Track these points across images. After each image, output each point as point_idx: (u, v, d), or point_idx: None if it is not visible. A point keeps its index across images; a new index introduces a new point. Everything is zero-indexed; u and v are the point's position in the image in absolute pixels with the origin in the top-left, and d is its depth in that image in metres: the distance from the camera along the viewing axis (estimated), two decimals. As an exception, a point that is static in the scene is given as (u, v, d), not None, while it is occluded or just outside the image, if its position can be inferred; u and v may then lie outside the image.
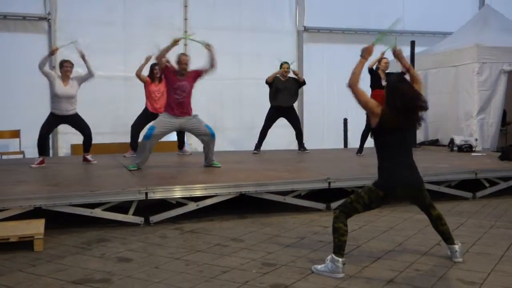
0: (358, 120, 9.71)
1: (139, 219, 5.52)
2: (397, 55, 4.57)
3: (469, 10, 13.58)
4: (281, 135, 10.50)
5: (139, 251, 4.56)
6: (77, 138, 8.26)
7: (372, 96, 8.82)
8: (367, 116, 8.67)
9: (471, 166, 7.53)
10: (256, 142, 9.46)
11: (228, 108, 11.88)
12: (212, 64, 7.05)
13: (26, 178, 6.44)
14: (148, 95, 8.63)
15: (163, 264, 4.19)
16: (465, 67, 10.17)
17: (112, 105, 10.74)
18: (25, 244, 4.56)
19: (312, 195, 6.46)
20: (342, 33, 12.88)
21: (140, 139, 8.51)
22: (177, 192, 5.74)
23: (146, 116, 8.58)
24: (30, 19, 10.63)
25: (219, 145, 7.58)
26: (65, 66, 7.54)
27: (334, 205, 6.19)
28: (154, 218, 5.58)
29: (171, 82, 6.96)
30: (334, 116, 12.26)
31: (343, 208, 4.00)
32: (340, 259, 3.83)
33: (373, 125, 4.00)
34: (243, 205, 6.24)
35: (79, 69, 7.93)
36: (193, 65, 7.12)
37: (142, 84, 8.68)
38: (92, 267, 4.10)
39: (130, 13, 11.25)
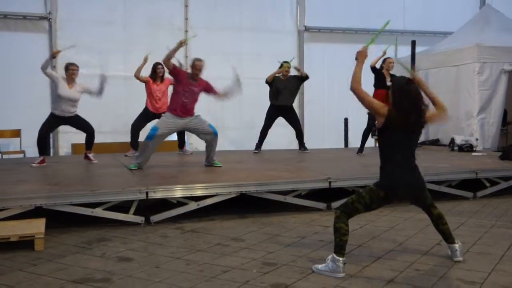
0: (359, 119, 9.72)
1: (139, 219, 5.52)
2: (418, 83, 4.38)
3: (470, 10, 13.57)
4: (282, 134, 10.50)
5: (139, 251, 4.56)
6: (78, 137, 8.26)
7: (374, 95, 8.83)
8: (368, 116, 8.70)
9: (471, 165, 7.53)
10: (257, 142, 9.46)
11: (229, 107, 11.84)
12: (226, 96, 7.18)
13: (26, 178, 6.44)
14: (149, 94, 8.62)
15: (163, 263, 4.19)
16: (465, 67, 10.17)
17: (112, 104, 10.71)
18: (25, 244, 4.56)
19: (313, 194, 6.46)
20: (343, 32, 12.86)
21: (140, 139, 8.54)
22: (178, 192, 5.74)
23: (147, 116, 8.58)
24: (30, 19, 10.62)
25: (220, 145, 7.57)
26: (71, 69, 7.52)
27: (334, 204, 6.20)
28: (155, 218, 5.58)
29: (182, 85, 6.90)
30: (335, 116, 12.26)
31: (344, 208, 4.01)
32: (340, 259, 3.83)
33: (379, 125, 4.00)
34: (243, 205, 6.25)
35: (82, 70, 7.91)
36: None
37: (142, 84, 8.68)
38: (93, 267, 4.10)
39: (131, 12, 11.24)
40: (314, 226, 5.48)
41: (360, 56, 4.11)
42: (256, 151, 9.38)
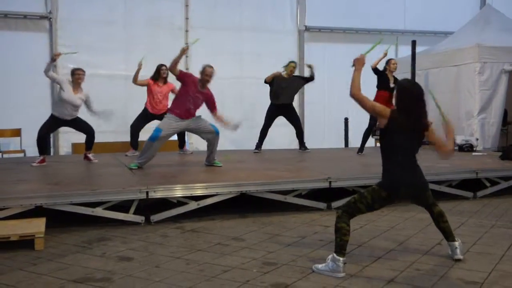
0: (359, 119, 9.71)
1: (140, 218, 5.52)
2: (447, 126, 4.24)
3: (470, 10, 13.58)
4: (282, 134, 10.51)
5: (140, 250, 4.56)
6: (78, 137, 8.26)
7: (376, 96, 8.85)
8: (370, 116, 8.69)
9: (472, 165, 7.53)
10: (257, 142, 9.46)
11: (229, 107, 11.83)
12: (222, 121, 7.16)
13: (27, 177, 6.44)
14: (150, 95, 8.57)
15: (163, 263, 4.19)
16: (466, 67, 10.16)
17: (113, 104, 10.68)
18: (26, 243, 4.56)
19: (313, 194, 6.46)
20: (343, 32, 12.87)
21: (140, 138, 8.54)
22: (178, 191, 5.74)
23: (146, 117, 8.57)
24: (31, 18, 10.63)
25: (220, 144, 7.58)
26: (77, 74, 7.49)
27: (335, 204, 6.20)
28: (155, 217, 5.58)
29: (189, 90, 6.89)
30: (335, 116, 12.26)
31: (346, 208, 4.01)
32: (341, 259, 3.83)
33: (381, 126, 4.01)
34: (244, 204, 6.25)
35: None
36: (193, 65, 7.13)
37: (143, 84, 8.69)
38: (93, 266, 4.10)
39: (131, 12, 11.25)
40: (314, 226, 5.47)
41: (358, 64, 4.12)
42: (256, 151, 9.38)
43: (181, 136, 9.19)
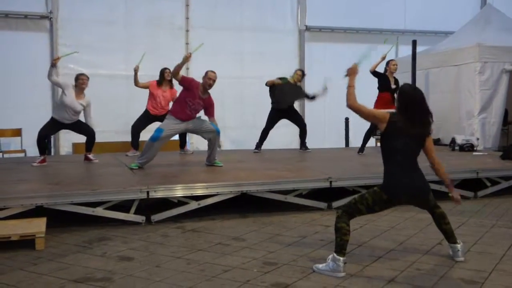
0: (360, 119, 9.67)
1: (140, 218, 5.53)
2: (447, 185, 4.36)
3: (471, 9, 13.57)
4: (282, 134, 10.51)
5: (140, 250, 4.57)
6: (79, 136, 8.25)
7: (378, 98, 8.87)
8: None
9: (472, 165, 7.52)
10: (257, 142, 9.46)
11: (230, 107, 11.86)
12: (209, 119, 7.19)
13: (27, 177, 6.44)
14: (152, 98, 8.53)
15: (164, 263, 4.20)
16: (466, 67, 10.15)
17: (113, 103, 10.73)
18: (26, 243, 4.56)
19: (314, 194, 6.46)
20: (344, 32, 12.87)
21: (141, 139, 8.54)
22: (179, 191, 5.74)
23: (147, 118, 8.56)
24: (32, 18, 10.63)
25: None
26: (81, 79, 7.48)
27: (335, 204, 6.21)
28: (156, 217, 5.58)
29: (191, 96, 6.90)
30: (336, 115, 12.23)
31: (346, 208, 4.01)
32: (341, 258, 3.83)
33: (381, 130, 4.02)
34: (244, 204, 6.25)
35: (83, 70, 7.91)
36: (193, 65, 7.13)
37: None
38: (93, 266, 4.10)
39: (132, 12, 11.25)
40: (315, 226, 5.48)
41: (351, 73, 4.12)
42: (256, 151, 9.37)
43: (182, 136, 9.18)
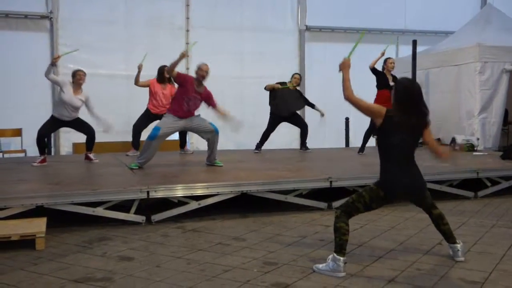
0: (360, 119, 9.65)
1: (140, 218, 5.53)
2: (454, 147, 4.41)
3: (471, 9, 13.56)
4: (283, 134, 10.50)
5: (140, 250, 4.57)
6: (79, 136, 8.26)
7: (378, 96, 8.87)
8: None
9: (472, 165, 7.52)
10: (258, 142, 9.46)
11: (230, 107, 11.76)
12: (224, 116, 7.23)
13: (27, 177, 6.44)
14: (152, 96, 8.56)
15: (164, 263, 4.20)
16: (467, 66, 10.15)
17: (114, 103, 10.72)
18: (26, 243, 4.57)
19: (314, 194, 6.46)
20: (344, 32, 12.85)
21: (142, 138, 8.54)
22: (179, 191, 5.74)
23: (148, 117, 8.57)
24: (32, 18, 10.63)
25: (221, 144, 7.58)
26: (78, 75, 7.50)
27: (335, 204, 6.20)
28: (156, 217, 5.58)
29: (187, 92, 6.91)
30: (336, 115, 12.22)
31: (344, 207, 4.01)
32: (341, 258, 3.83)
33: (378, 125, 4.01)
34: (244, 204, 6.25)
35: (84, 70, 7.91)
36: (193, 65, 7.13)
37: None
38: (94, 266, 4.10)
39: (132, 12, 11.25)
40: (315, 226, 5.48)
41: (344, 68, 4.12)
42: (256, 151, 9.38)
43: (182, 135, 9.19)
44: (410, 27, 13.28)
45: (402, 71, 10.24)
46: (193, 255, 4.42)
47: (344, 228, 3.90)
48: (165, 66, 8.40)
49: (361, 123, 9.47)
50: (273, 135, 9.54)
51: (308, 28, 12.69)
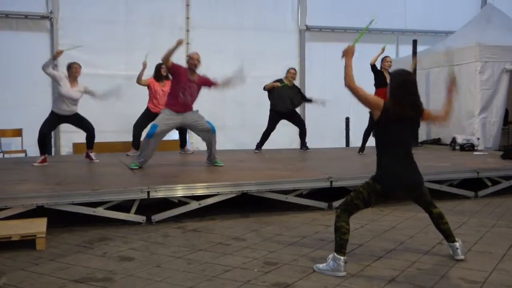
0: (360, 119, 9.73)
1: (141, 218, 5.53)
2: (451, 86, 4.35)
3: (471, 9, 13.57)
4: (283, 134, 10.51)
5: (141, 250, 4.57)
6: (79, 136, 8.27)
7: (376, 94, 8.85)
8: (370, 115, 8.69)
9: (473, 165, 7.53)
10: (258, 142, 9.47)
11: (230, 107, 11.87)
12: (228, 85, 7.13)
13: (28, 177, 6.45)
14: (152, 96, 8.59)
15: (165, 263, 4.20)
16: (467, 66, 10.16)
17: (114, 103, 10.70)
18: (27, 243, 4.57)
19: (314, 194, 6.46)
20: (344, 32, 12.86)
21: (142, 138, 8.55)
22: (179, 191, 5.74)
23: (149, 116, 8.57)
24: (32, 18, 10.65)
25: (221, 144, 7.59)
26: (74, 68, 7.53)
27: (335, 204, 6.20)
28: (156, 217, 5.58)
29: (181, 82, 6.89)
30: (336, 115, 12.25)
31: (344, 206, 4.01)
32: (342, 258, 3.83)
33: (375, 118, 4.02)
34: (245, 204, 6.25)
35: (84, 70, 7.90)
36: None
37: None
38: (94, 266, 4.10)
39: (132, 12, 11.26)
40: (316, 226, 5.48)
41: (347, 54, 4.12)
42: (256, 151, 9.39)
43: (182, 135, 9.20)
44: (410, 27, 13.29)
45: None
46: (193, 255, 4.42)
47: (344, 228, 3.90)
48: (162, 63, 8.41)
49: (361, 122, 9.50)
50: (273, 135, 9.55)
51: (308, 28, 12.71)
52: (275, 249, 4.56)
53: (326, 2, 12.77)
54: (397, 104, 3.90)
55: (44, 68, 7.36)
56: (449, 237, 4.23)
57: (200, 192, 5.78)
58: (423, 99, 4.21)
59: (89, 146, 7.94)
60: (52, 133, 9.51)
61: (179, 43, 6.83)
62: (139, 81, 8.60)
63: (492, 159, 8.37)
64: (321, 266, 3.93)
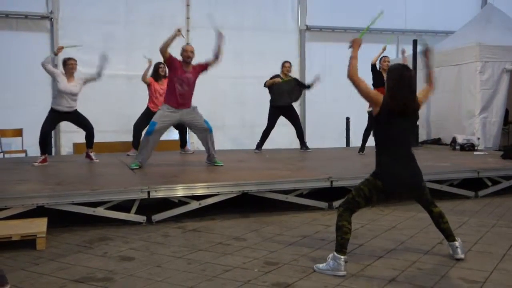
0: (361, 119, 9.72)
1: (141, 218, 5.53)
2: (426, 53, 4.57)
3: (472, 9, 13.57)
4: (283, 133, 10.51)
5: (141, 250, 4.57)
6: (80, 136, 8.27)
7: None
8: (368, 115, 8.70)
9: (473, 165, 7.53)
10: (258, 141, 9.47)
11: (230, 107, 11.88)
12: (217, 55, 7.06)
13: (28, 177, 6.45)
14: (152, 95, 8.64)
15: (165, 262, 4.20)
16: (467, 66, 10.17)
17: (114, 103, 10.75)
18: (27, 243, 4.57)
19: (314, 194, 6.46)
20: (344, 32, 12.87)
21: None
22: (179, 191, 5.74)
23: (149, 116, 8.55)
24: (32, 18, 10.65)
25: (221, 144, 7.60)
26: (69, 63, 7.57)
27: (336, 204, 6.20)
28: (156, 217, 5.58)
29: (177, 74, 6.91)
30: (336, 115, 12.26)
31: (346, 205, 4.01)
32: (342, 257, 3.83)
33: (374, 114, 4.02)
34: (245, 204, 6.25)
35: (84, 70, 7.91)
36: (195, 61, 7.12)
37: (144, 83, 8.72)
38: (94, 266, 4.10)
39: (132, 12, 11.27)
40: (316, 225, 5.48)
41: (355, 44, 4.15)
42: (256, 151, 9.39)
43: (183, 135, 9.20)
44: (411, 27, 13.29)
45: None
46: (193, 255, 4.42)
47: (346, 227, 3.90)
48: (160, 63, 8.43)
49: (361, 122, 9.49)
50: (273, 135, 9.55)
51: (308, 28, 12.71)
52: (276, 249, 4.56)
53: (326, 2, 12.77)
54: (394, 97, 3.90)
55: (44, 63, 7.39)
56: (449, 236, 4.23)
57: (200, 192, 5.78)
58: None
59: (89, 146, 7.94)
60: (52, 133, 9.51)
61: (178, 32, 6.83)
62: (144, 78, 8.68)
63: (492, 159, 8.37)
64: (321, 266, 3.93)
